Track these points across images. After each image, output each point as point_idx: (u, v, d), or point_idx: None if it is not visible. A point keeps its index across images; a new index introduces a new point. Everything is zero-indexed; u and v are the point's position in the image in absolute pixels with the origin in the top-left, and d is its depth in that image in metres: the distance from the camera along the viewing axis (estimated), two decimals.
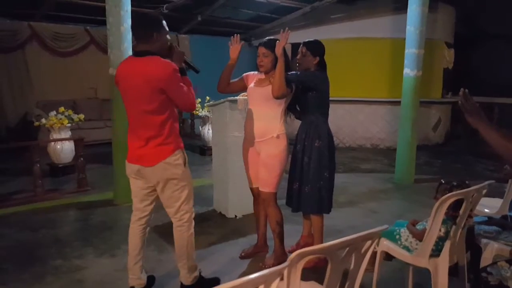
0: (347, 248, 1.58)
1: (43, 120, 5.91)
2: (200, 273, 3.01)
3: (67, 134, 6.05)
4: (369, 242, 1.67)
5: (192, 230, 2.87)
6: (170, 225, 2.87)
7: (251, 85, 3.32)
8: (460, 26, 10.05)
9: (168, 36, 2.71)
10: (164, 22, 2.68)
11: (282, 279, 1.43)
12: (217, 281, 3.06)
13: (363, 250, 1.67)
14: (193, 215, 2.87)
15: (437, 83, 9.52)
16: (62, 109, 6.04)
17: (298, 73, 3.23)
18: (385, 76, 8.81)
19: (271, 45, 3.13)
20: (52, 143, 5.98)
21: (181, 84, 2.58)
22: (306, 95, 3.30)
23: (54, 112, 5.95)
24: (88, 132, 7.83)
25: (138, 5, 6.96)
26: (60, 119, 5.88)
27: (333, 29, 9.08)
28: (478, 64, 10.54)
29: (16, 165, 6.46)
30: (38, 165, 5.07)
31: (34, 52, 8.39)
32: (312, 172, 3.27)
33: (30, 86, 8.41)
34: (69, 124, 6.00)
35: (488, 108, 9.37)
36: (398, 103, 6.49)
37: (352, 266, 1.69)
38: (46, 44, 8.45)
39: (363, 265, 1.73)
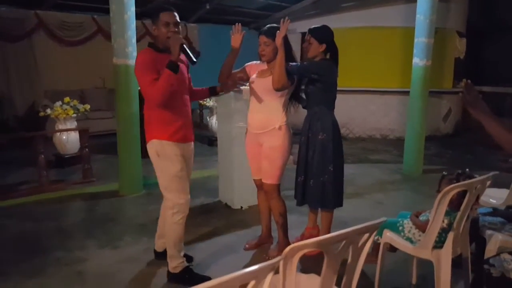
0: (343, 242, 1.53)
1: (49, 111, 5.90)
2: (188, 267, 3.00)
3: (72, 124, 6.04)
4: (366, 235, 1.62)
5: (177, 220, 2.86)
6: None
7: (253, 76, 3.25)
8: (473, 16, 9.84)
9: (168, 25, 2.69)
10: (164, 13, 2.70)
11: (278, 272, 1.39)
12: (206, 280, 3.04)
13: (360, 243, 1.61)
14: (177, 207, 2.85)
15: (448, 73, 9.34)
16: (67, 99, 6.02)
17: (300, 64, 3.14)
18: (396, 66, 8.65)
19: (272, 33, 3.04)
20: (58, 133, 5.97)
21: (148, 74, 2.60)
22: (311, 86, 3.21)
23: (59, 103, 5.93)
24: (96, 122, 7.83)
25: None
26: (66, 109, 5.87)
27: (343, 18, 8.92)
28: (490, 54, 10.34)
29: (22, 155, 6.49)
30: (43, 156, 5.07)
31: (42, 41, 8.36)
32: (316, 165, 3.21)
33: (38, 75, 8.40)
34: (75, 115, 5.98)
35: (500, 99, 9.18)
36: (409, 93, 6.37)
37: (349, 260, 1.63)
38: (53, 33, 8.41)
39: (361, 259, 1.68)
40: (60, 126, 5.94)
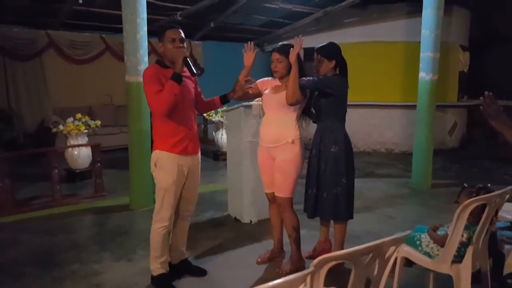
0: (371, 254, 1.56)
1: (61, 127, 6.01)
2: (164, 274, 3.08)
3: (84, 140, 6.13)
4: (392, 248, 1.65)
5: (156, 229, 3.00)
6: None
7: (266, 91, 3.32)
8: (475, 29, 9.93)
9: (174, 41, 2.86)
10: (170, 30, 2.89)
11: (305, 284, 1.42)
12: None
13: (386, 256, 1.65)
14: (159, 216, 2.99)
15: (452, 87, 9.40)
16: (79, 115, 6.14)
17: (314, 79, 3.21)
18: (399, 80, 8.75)
19: (285, 51, 3.13)
20: (69, 149, 6.06)
21: (152, 86, 2.78)
22: (323, 100, 3.28)
23: (71, 119, 6.04)
24: (104, 138, 7.88)
25: (153, 13, 7.03)
26: (77, 125, 5.97)
27: (346, 33, 9.05)
28: (493, 67, 10.39)
29: (34, 171, 6.55)
30: (56, 171, 5.13)
31: (51, 60, 8.49)
32: (329, 178, 3.25)
33: (47, 93, 8.51)
34: (86, 130, 6.08)
35: (505, 111, 9.20)
36: (412, 107, 6.43)
37: (375, 272, 1.66)
38: (63, 51, 8.55)
39: (386, 271, 1.71)
40: (72, 142, 6.03)
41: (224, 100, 3.24)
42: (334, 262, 1.46)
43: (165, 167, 2.93)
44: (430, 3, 5.72)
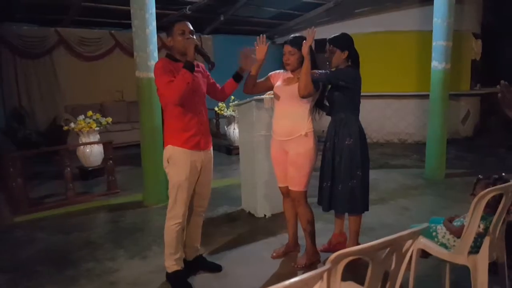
0: (388, 248, 1.54)
1: (72, 125, 6.03)
2: (179, 271, 3.08)
3: (95, 137, 6.15)
4: (409, 242, 1.62)
5: (170, 225, 3.00)
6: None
7: (278, 83, 3.29)
8: (487, 16, 9.76)
9: (183, 34, 2.86)
10: (178, 23, 2.89)
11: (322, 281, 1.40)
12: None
13: (403, 250, 1.62)
14: (173, 213, 2.98)
15: (465, 75, 9.25)
16: (90, 113, 6.15)
17: (327, 72, 3.17)
18: (413, 69, 8.64)
19: (297, 43, 3.09)
20: (81, 146, 6.08)
21: (164, 77, 2.76)
22: (336, 93, 3.24)
23: (82, 116, 6.05)
24: (115, 135, 7.91)
25: (162, 7, 7.02)
26: (89, 123, 5.98)
27: (358, 23, 8.94)
28: (506, 54, 10.21)
29: (46, 169, 6.62)
30: (69, 169, 5.16)
31: (62, 57, 8.55)
32: (344, 170, 3.21)
33: (58, 90, 8.59)
34: (98, 128, 6.10)
35: None
36: (426, 96, 6.34)
37: (393, 266, 1.63)
38: (73, 49, 8.60)
39: (404, 265, 1.68)
40: (84, 139, 6.05)
41: (237, 77, 3.19)
42: (350, 258, 1.44)
43: (178, 163, 2.91)
44: None
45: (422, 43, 8.12)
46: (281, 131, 3.24)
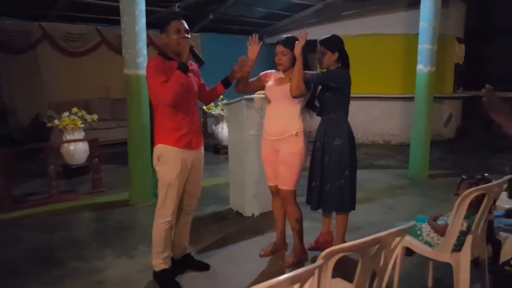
0: (377, 245, 1.58)
1: (56, 121, 5.91)
2: (166, 269, 3.07)
3: (80, 135, 6.06)
4: (397, 239, 1.66)
5: (159, 224, 2.98)
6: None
7: (270, 83, 3.31)
8: (471, 21, 9.95)
9: (179, 32, 2.86)
10: (174, 21, 2.89)
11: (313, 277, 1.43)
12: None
13: (392, 247, 1.66)
14: (162, 211, 2.97)
15: (448, 79, 9.44)
16: (75, 109, 6.03)
17: (318, 73, 3.21)
18: (398, 72, 8.76)
19: (289, 43, 3.11)
20: (66, 144, 5.98)
21: (157, 77, 2.74)
22: (327, 94, 3.29)
23: (67, 113, 5.94)
24: (101, 132, 7.80)
25: (151, 4, 6.96)
26: (73, 120, 5.88)
27: (345, 25, 9.04)
28: (489, 59, 10.42)
29: (29, 167, 6.49)
30: (53, 167, 5.09)
31: (46, 53, 8.36)
32: (333, 170, 3.27)
33: (42, 86, 8.37)
34: (83, 125, 6.01)
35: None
36: (411, 99, 6.45)
37: (381, 263, 1.68)
38: (58, 44, 8.41)
39: (391, 262, 1.72)
40: (68, 137, 5.95)
41: (226, 83, 3.16)
42: (341, 254, 1.47)
43: (169, 161, 2.91)
44: None
45: (408, 46, 8.25)
46: (273, 130, 3.27)
